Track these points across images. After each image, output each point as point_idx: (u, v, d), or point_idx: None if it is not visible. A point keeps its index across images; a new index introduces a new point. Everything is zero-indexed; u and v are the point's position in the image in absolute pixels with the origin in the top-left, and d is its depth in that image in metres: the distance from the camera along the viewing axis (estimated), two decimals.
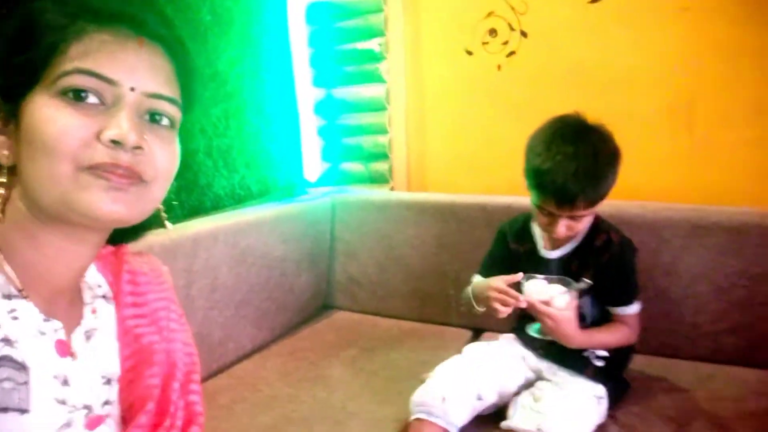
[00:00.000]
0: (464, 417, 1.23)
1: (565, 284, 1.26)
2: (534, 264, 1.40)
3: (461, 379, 1.27)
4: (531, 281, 1.28)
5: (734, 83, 1.62)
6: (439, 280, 1.86)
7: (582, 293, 1.33)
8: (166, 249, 1.45)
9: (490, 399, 1.28)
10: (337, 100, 2.11)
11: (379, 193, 2.03)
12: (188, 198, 1.69)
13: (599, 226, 1.34)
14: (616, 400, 1.32)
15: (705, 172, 1.68)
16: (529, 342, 1.39)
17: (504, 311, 1.25)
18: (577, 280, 1.32)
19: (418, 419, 1.23)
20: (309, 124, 2.15)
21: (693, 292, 1.53)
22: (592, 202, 1.23)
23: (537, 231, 1.42)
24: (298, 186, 2.15)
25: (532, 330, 1.35)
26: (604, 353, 1.34)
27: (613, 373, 1.35)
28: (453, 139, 2.04)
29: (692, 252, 1.52)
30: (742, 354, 1.50)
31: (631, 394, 1.39)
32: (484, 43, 1.93)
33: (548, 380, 1.31)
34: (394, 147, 2.05)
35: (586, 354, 1.35)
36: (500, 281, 1.27)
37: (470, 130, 2.00)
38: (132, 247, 0.78)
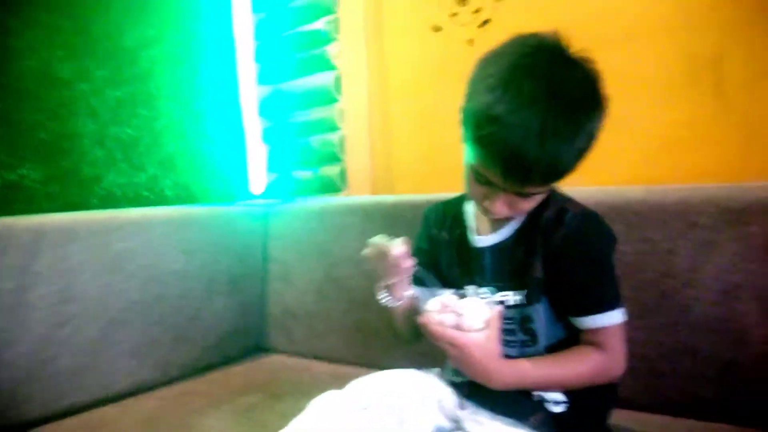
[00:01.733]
0: None
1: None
2: (462, 257, 0.94)
3: (328, 428, 0.80)
4: (437, 298, 0.82)
5: None
6: (386, 308, 1.40)
7: (532, 299, 0.85)
8: None
9: None
10: (284, 97, 1.77)
11: (316, 199, 1.63)
12: (63, 191, 1.37)
13: (551, 196, 0.88)
14: None
15: (740, 143, 1.17)
16: (453, 383, 0.90)
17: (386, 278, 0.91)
18: (526, 274, 0.86)
19: None
20: (253, 128, 1.82)
21: (729, 313, 0.99)
22: (555, 178, 0.79)
23: (471, 210, 0.97)
24: (238, 196, 1.79)
25: (449, 371, 0.87)
26: (562, 397, 0.83)
27: (584, 428, 0.83)
28: (423, 132, 1.63)
29: (724, 249, 0.99)
30: None
31: None
32: (452, 15, 1.56)
33: None
34: (350, 146, 1.66)
35: (537, 396, 0.84)
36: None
37: (443, 120, 1.58)
38: None
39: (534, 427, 0.79)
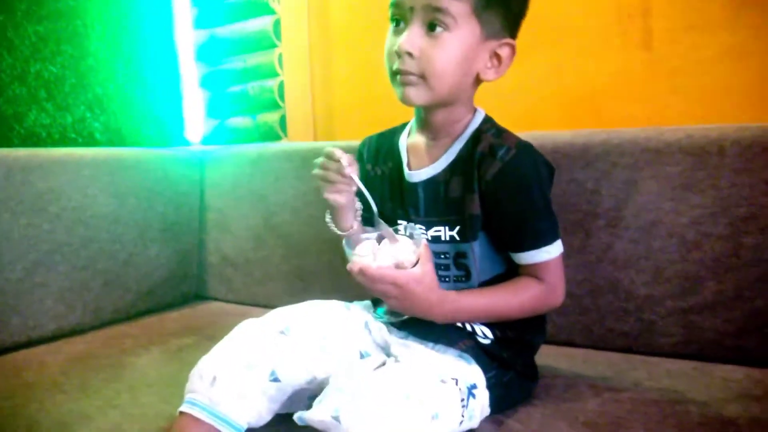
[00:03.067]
0: (250, 408, 0.76)
1: (412, 234, 0.83)
2: (395, 192, 0.95)
3: (246, 351, 0.79)
4: (364, 243, 0.82)
5: None
6: (325, 252, 1.40)
7: (467, 236, 0.86)
8: None
9: (295, 380, 0.79)
10: (221, 42, 1.72)
11: (253, 145, 1.60)
12: None
13: (484, 127, 0.89)
14: (508, 398, 0.84)
15: (667, 93, 1.22)
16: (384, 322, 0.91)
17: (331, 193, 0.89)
18: (461, 210, 0.86)
19: (181, 413, 0.77)
20: (190, 73, 1.76)
21: (648, 250, 1.04)
22: None
23: (404, 142, 0.97)
24: (173, 143, 1.74)
25: (379, 314, 0.87)
26: (489, 332, 0.86)
27: (510, 357, 0.86)
28: (365, 77, 1.59)
29: (643, 188, 1.04)
30: (725, 343, 1.00)
31: (540, 393, 0.90)
32: None
33: (394, 356, 0.83)
34: (289, 92, 1.63)
35: (470, 327, 0.86)
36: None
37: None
38: None
39: (462, 350, 0.81)
